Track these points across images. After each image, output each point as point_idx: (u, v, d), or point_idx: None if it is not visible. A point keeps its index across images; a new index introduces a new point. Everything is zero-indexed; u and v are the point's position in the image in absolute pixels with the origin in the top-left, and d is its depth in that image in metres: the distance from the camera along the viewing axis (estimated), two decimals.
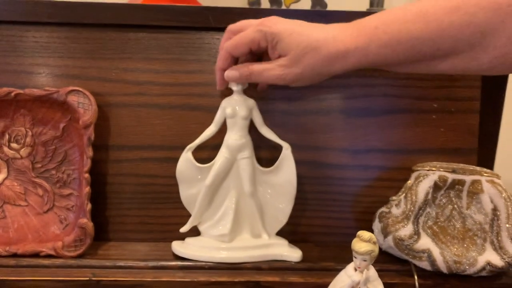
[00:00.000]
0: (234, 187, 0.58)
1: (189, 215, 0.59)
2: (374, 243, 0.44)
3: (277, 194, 0.58)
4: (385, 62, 0.48)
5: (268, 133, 0.57)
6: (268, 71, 0.51)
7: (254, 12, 0.59)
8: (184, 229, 0.58)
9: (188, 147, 0.58)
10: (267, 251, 0.57)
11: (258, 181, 0.58)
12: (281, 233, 0.60)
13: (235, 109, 0.55)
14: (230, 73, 0.53)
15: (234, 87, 0.55)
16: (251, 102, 0.56)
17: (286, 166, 0.56)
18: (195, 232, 0.59)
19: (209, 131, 0.58)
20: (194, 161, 0.57)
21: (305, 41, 0.48)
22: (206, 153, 0.60)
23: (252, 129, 0.58)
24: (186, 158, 0.58)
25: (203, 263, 0.55)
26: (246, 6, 0.65)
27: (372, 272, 0.46)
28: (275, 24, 0.50)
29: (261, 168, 0.57)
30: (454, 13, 0.44)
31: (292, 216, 0.58)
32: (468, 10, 0.43)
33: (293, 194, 0.57)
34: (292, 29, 0.49)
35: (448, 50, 0.45)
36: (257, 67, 0.52)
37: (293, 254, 0.57)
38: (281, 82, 0.51)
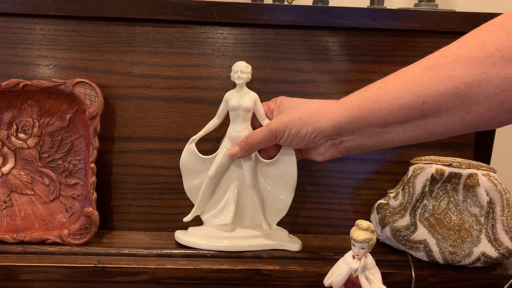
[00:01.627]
0: (236, 178, 0.60)
1: (191, 206, 0.60)
2: (372, 231, 0.46)
3: (277, 185, 0.59)
4: (370, 118, 0.48)
5: None
6: (260, 129, 0.56)
7: (258, 8, 0.60)
8: (187, 218, 0.60)
9: (191, 139, 0.59)
10: (267, 240, 0.58)
11: (259, 172, 0.59)
12: (281, 224, 0.61)
13: (239, 101, 0.57)
14: (232, 149, 0.57)
15: (237, 81, 0.57)
16: (254, 95, 0.58)
17: (287, 158, 0.57)
18: (197, 222, 0.61)
19: (212, 123, 0.59)
20: (197, 152, 0.59)
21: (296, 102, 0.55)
22: (209, 145, 0.61)
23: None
24: (189, 150, 0.59)
25: (205, 252, 0.57)
26: (250, 1, 0.66)
27: (370, 260, 0.47)
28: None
29: (262, 159, 0.59)
30: (431, 70, 0.44)
31: (292, 208, 0.60)
32: (446, 67, 0.43)
33: (294, 185, 0.58)
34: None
35: (435, 105, 0.44)
36: (251, 137, 0.56)
37: (293, 244, 0.58)
38: (270, 133, 0.54)
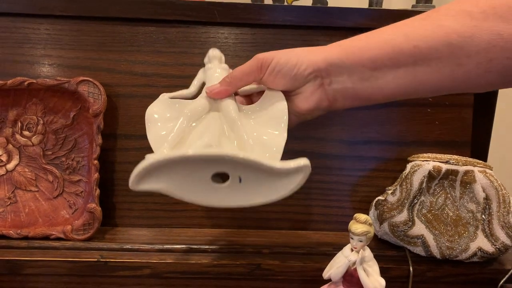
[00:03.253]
0: (218, 118, 0.51)
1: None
2: (370, 224, 0.47)
3: (266, 126, 0.50)
4: (361, 56, 0.47)
5: None
6: (245, 64, 0.50)
7: (258, 8, 0.61)
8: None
9: (162, 94, 0.53)
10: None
11: (242, 125, 0.49)
12: (281, 220, 0.62)
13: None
14: (210, 86, 0.51)
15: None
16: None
17: (273, 98, 0.50)
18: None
19: (187, 92, 0.54)
20: (169, 99, 0.52)
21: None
22: None
23: None
24: (162, 100, 0.52)
25: (207, 247, 0.58)
26: (250, 2, 0.68)
27: (368, 252, 0.48)
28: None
29: (245, 107, 0.51)
30: (424, 20, 0.45)
31: (292, 205, 0.61)
32: (438, 17, 0.44)
33: (285, 121, 0.49)
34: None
35: (426, 51, 0.44)
36: (234, 70, 0.51)
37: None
38: (257, 62, 0.49)
